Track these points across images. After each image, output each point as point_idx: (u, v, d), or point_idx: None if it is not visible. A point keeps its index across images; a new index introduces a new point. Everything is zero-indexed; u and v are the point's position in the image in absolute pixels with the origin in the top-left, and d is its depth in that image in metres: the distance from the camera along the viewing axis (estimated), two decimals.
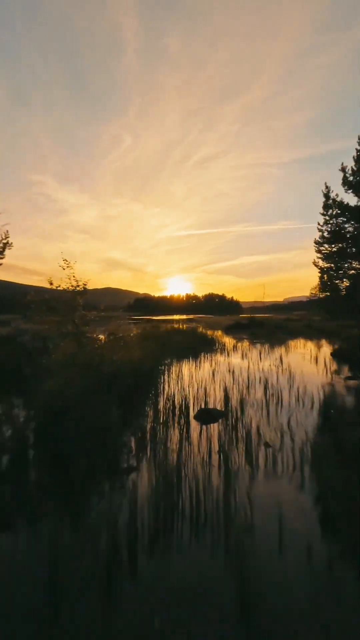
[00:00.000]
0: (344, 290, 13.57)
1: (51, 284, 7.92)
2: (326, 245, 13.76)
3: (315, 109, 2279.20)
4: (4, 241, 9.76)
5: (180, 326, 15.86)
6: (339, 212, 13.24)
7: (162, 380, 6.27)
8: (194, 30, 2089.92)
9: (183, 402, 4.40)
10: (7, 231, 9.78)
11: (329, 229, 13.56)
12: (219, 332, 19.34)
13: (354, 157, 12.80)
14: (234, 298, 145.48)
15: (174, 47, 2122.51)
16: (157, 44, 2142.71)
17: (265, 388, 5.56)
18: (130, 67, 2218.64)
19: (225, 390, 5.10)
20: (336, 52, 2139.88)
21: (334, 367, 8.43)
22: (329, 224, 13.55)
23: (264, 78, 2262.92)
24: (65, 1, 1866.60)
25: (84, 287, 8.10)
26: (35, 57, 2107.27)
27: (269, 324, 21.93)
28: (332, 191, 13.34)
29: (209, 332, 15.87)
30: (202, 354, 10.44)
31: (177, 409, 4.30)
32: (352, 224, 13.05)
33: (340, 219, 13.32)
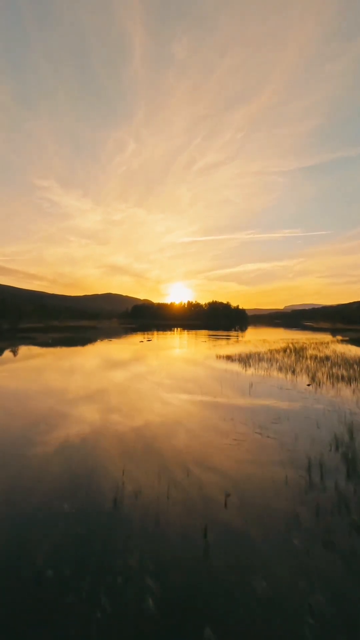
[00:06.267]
0: None
1: None
2: None
3: (321, 118, 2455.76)
4: None
5: None
6: None
7: None
8: (201, 38, 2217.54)
9: None
10: None
11: None
12: None
13: None
14: (240, 306, 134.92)
15: (181, 55, 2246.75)
16: (164, 51, 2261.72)
17: None
18: (136, 74, 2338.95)
19: None
20: (342, 61, 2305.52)
21: None
22: None
23: (271, 86, 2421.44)
24: (74, 7, 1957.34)
25: None
26: (42, 61, 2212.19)
27: None
28: None
29: None
30: None
31: None
32: None
33: None
